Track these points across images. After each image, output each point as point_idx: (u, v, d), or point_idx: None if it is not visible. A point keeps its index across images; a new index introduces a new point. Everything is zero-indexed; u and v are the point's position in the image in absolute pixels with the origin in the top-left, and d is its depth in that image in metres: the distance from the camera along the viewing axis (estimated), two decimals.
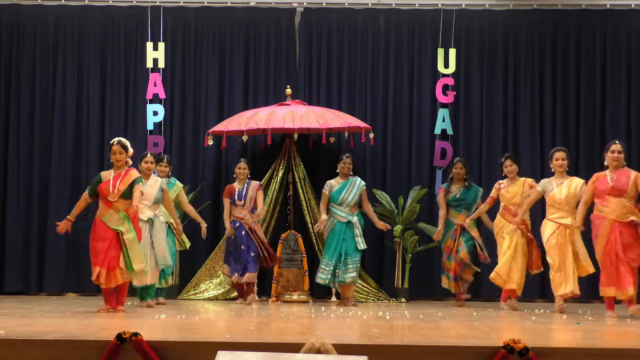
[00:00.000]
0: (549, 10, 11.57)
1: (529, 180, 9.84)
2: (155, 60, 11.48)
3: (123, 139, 8.54)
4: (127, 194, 8.31)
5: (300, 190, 10.99)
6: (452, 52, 11.46)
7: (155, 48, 11.48)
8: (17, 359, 5.25)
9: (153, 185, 9.26)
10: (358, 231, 10.04)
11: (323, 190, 10.17)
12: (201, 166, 11.51)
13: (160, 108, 11.46)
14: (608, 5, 11.52)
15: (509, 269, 9.58)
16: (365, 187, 10.21)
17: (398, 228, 10.98)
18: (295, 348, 4.90)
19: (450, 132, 11.43)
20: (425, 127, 11.51)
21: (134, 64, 11.60)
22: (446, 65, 11.47)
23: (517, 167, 9.92)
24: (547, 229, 9.18)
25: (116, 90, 11.57)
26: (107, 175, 8.45)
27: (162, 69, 11.49)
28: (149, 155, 9.44)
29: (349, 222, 10.02)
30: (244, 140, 10.91)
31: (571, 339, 6.18)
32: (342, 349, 4.91)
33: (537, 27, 11.56)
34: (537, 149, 11.41)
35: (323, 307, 9.53)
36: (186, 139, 11.55)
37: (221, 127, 10.77)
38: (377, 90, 11.58)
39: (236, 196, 10.18)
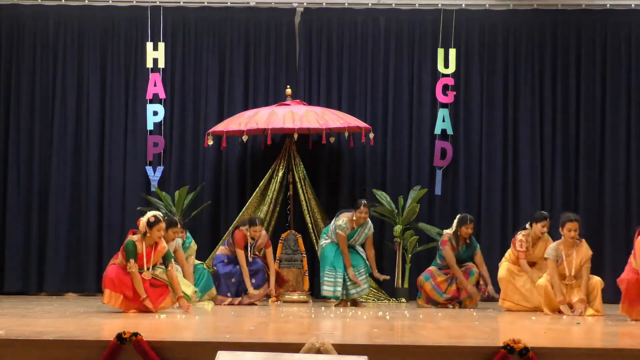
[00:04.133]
0: (549, 10, 11.56)
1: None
2: (155, 60, 11.48)
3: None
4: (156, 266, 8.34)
5: (300, 190, 10.98)
6: (452, 52, 11.46)
7: (155, 48, 11.48)
8: (17, 359, 5.24)
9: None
10: (359, 247, 10.04)
11: (341, 232, 9.78)
12: (201, 166, 11.51)
13: (160, 108, 11.46)
14: (608, 5, 11.52)
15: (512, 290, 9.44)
16: (372, 232, 10.06)
17: (398, 228, 10.98)
18: (295, 348, 4.90)
19: (450, 132, 11.43)
20: (425, 127, 11.51)
21: (134, 64, 11.59)
22: (446, 65, 11.47)
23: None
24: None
25: (116, 90, 11.57)
26: (140, 247, 8.19)
27: (162, 69, 11.49)
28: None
29: None
30: (244, 140, 10.90)
31: (571, 339, 6.18)
32: (342, 349, 4.90)
33: (537, 27, 11.55)
34: (537, 148, 11.40)
35: (323, 307, 9.53)
36: (186, 139, 11.55)
37: (221, 127, 10.78)
38: (377, 90, 11.57)
39: (249, 249, 9.95)
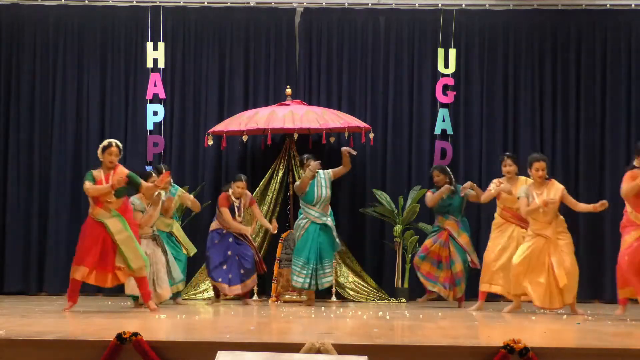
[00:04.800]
0: (549, 10, 11.57)
1: (530, 181, 9.39)
2: (155, 60, 11.48)
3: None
4: (121, 193, 8.35)
5: None
6: (452, 52, 11.46)
7: (155, 48, 11.48)
8: (17, 359, 5.24)
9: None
10: (335, 232, 10.06)
11: (302, 178, 10.10)
12: (201, 166, 11.52)
13: (160, 108, 11.46)
14: (608, 5, 11.52)
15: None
16: (330, 170, 10.15)
17: (398, 228, 10.99)
18: (295, 348, 4.90)
19: (450, 132, 11.44)
20: (425, 127, 11.51)
21: (134, 64, 11.60)
22: (446, 65, 11.47)
23: (516, 167, 9.63)
24: (526, 238, 8.99)
25: (116, 90, 11.58)
26: (98, 175, 8.37)
27: (162, 69, 11.50)
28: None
29: (324, 225, 9.96)
30: (244, 140, 10.90)
31: (571, 339, 6.18)
32: (342, 349, 4.91)
33: (537, 27, 11.56)
34: (537, 148, 11.38)
35: (323, 307, 9.53)
36: (186, 139, 11.56)
37: (221, 127, 10.78)
38: (377, 90, 11.58)
39: (236, 211, 10.07)
